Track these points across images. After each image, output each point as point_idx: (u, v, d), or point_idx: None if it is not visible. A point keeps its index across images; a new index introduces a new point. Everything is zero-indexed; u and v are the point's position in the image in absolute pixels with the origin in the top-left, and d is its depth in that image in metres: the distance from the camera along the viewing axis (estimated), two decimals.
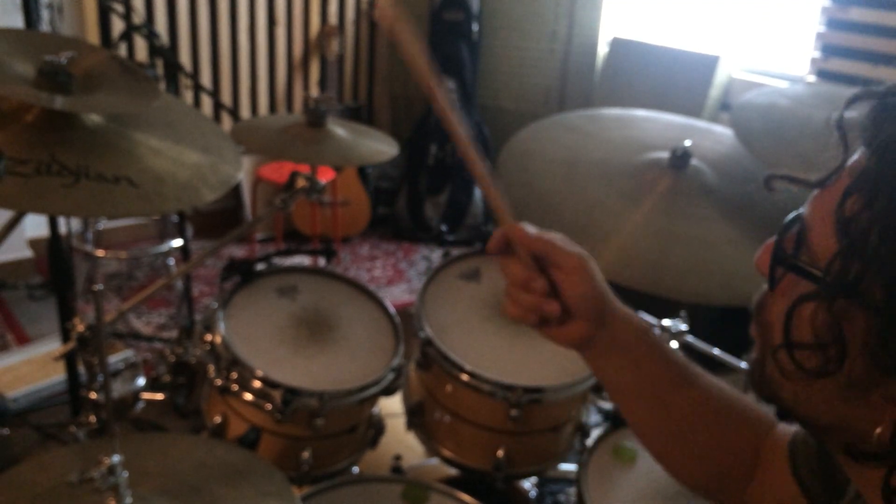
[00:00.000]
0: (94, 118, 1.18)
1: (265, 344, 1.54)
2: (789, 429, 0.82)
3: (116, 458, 0.97)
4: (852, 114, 0.61)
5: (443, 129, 3.52)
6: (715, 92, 3.23)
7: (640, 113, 1.78)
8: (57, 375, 2.38)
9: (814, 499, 0.77)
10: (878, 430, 0.54)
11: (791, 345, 0.57)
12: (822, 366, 0.55)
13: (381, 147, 1.72)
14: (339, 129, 1.71)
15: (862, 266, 0.52)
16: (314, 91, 4.02)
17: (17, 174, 1.01)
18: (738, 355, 1.84)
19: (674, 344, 1.77)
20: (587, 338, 0.82)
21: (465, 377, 1.50)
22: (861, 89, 0.59)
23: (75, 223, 3.07)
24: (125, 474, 0.98)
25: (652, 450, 0.88)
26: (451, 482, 1.57)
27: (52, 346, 2.61)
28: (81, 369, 1.93)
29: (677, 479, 0.88)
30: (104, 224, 3.36)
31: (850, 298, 0.53)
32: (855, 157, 0.57)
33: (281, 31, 3.86)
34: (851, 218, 0.53)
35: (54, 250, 1.85)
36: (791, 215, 0.61)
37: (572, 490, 1.85)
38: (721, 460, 0.85)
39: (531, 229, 0.81)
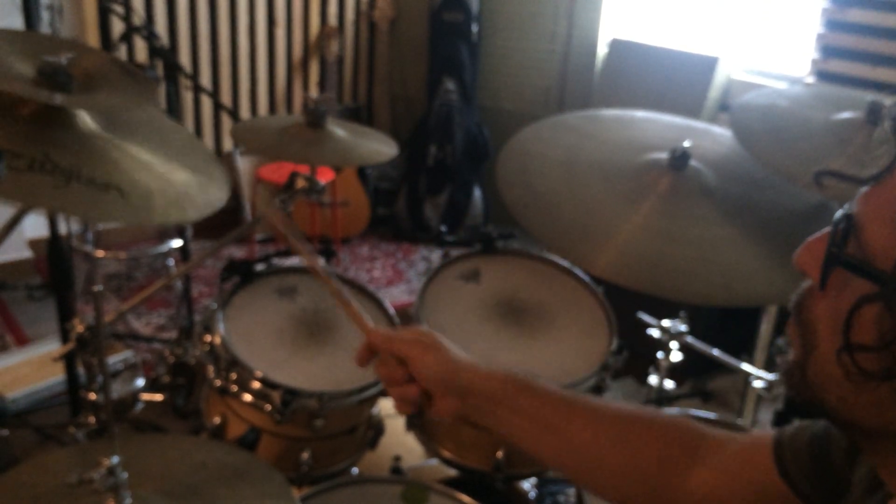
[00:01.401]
0: (89, 123, 1.18)
1: (265, 345, 1.54)
2: (763, 432, 0.82)
3: (116, 459, 0.97)
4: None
5: (443, 129, 3.52)
6: (714, 93, 3.23)
7: (640, 114, 1.78)
8: (56, 376, 2.38)
9: (806, 496, 0.76)
10: None
11: (852, 347, 0.55)
12: (888, 368, 0.54)
13: (380, 148, 1.72)
14: (338, 130, 1.71)
15: None
16: (314, 92, 4.02)
17: (11, 168, 1.02)
18: (738, 356, 1.85)
19: (674, 344, 1.77)
20: (457, 409, 0.89)
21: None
22: None
23: (75, 224, 3.07)
24: (125, 475, 0.98)
25: (583, 485, 0.91)
26: (450, 483, 1.57)
27: (52, 346, 2.61)
28: (81, 370, 1.93)
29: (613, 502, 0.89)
30: (104, 225, 3.36)
31: None
32: None
33: (280, 32, 3.87)
34: None
35: (54, 251, 1.85)
36: (839, 213, 0.59)
37: (572, 491, 1.85)
38: (648, 472, 0.85)
39: (385, 333, 0.92)
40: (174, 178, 1.23)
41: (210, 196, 1.25)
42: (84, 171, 1.08)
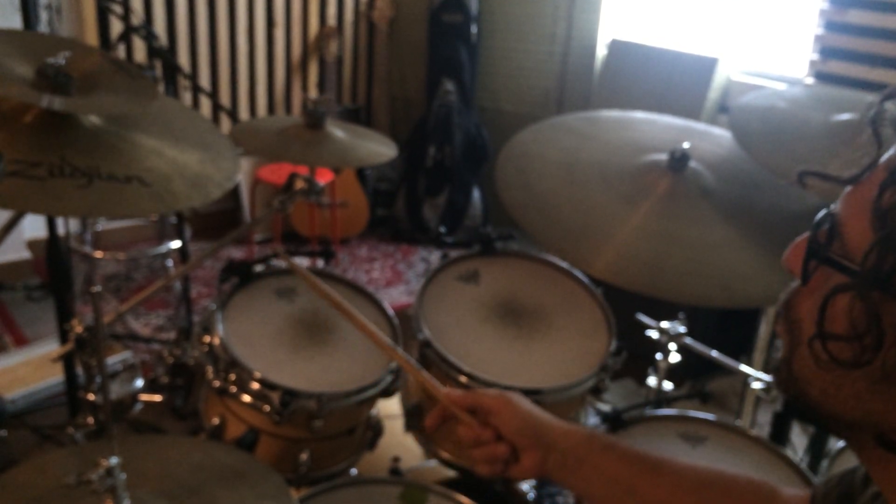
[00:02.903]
0: (93, 119, 1.18)
1: (263, 345, 1.54)
2: (802, 492, 0.82)
3: (114, 460, 0.97)
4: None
5: (442, 130, 3.52)
6: (713, 94, 3.23)
7: (639, 115, 1.78)
8: (55, 377, 2.38)
9: None
10: None
11: (825, 336, 0.58)
12: (857, 356, 0.56)
13: (379, 149, 1.72)
14: (337, 131, 1.71)
15: None
16: (313, 92, 4.02)
17: (32, 177, 1.02)
18: (737, 357, 1.85)
19: (672, 346, 1.77)
20: (541, 464, 0.89)
21: (463, 379, 1.50)
22: (894, 87, 0.60)
23: (74, 224, 3.07)
24: (123, 476, 0.98)
25: None
26: (449, 484, 1.57)
27: (50, 347, 2.60)
28: (79, 371, 1.92)
29: None
30: (103, 225, 3.36)
31: (885, 290, 0.54)
32: (891, 152, 0.58)
33: (280, 33, 3.87)
34: (888, 210, 0.54)
35: (53, 251, 1.84)
36: (822, 212, 0.62)
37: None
38: None
39: (462, 393, 0.93)
40: (187, 159, 1.22)
41: (225, 170, 1.24)
42: (102, 167, 1.08)
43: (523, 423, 0.89)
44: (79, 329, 1.32)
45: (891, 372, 0.55)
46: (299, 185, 1.58)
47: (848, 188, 0.61)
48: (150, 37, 2.40)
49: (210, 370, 1.49)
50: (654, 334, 1.78)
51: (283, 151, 1.65)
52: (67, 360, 1.97)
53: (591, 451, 0.88)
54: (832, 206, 0.62)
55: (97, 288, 1.07)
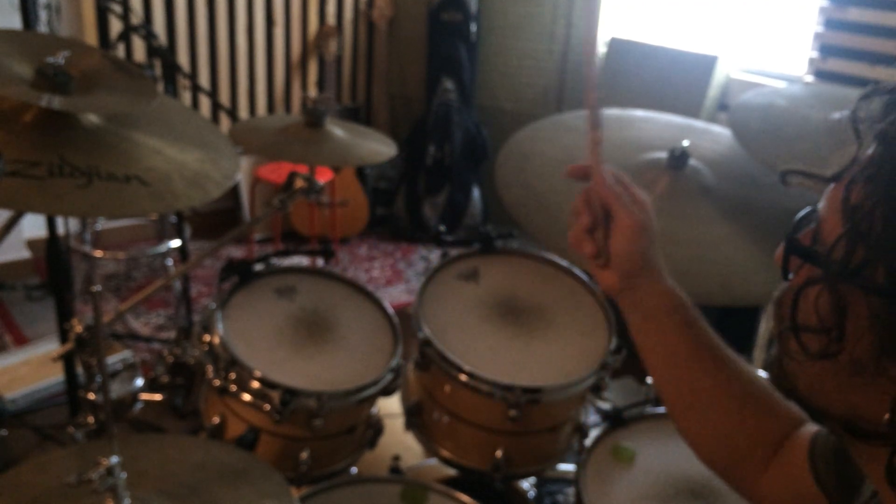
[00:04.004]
0: (92, 118, 1.18)
1: (263, 344, 1.54)
2: (813, 427, 0.84)
3: (115, 459, 0.97)
4: (845, 113, 0.62)
5: (441, 129, 3.51)
6: (713, 92, 3.23)
7: (639, 113, 1.78)
8: (55, 376, 2.38)
9: (829, 494, 0.78)
10: (887, 416, 0.56)
11: (797, 327, 0.59)
12: (824, 348, 0.57)
13: (379, 148, 1.72)
14: (337, 130, 1.70)
15: (866, 250, 0.54)
16: (312, 91, 4.02)
17: (32, 177, 1.02)
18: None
19: None
20: (614, 288, 0.90)
21: (463, 377, 1.50)
22: (873, 86, 0.60)
23: (73, 223, 3.07)
24: (123, 475, 0.98)
25: (671, 414, 0.91)
26: (449, 482, 1.57)
27: (51, 346, 2.60)
28: (80, 370, 1.92)
29: (693, 449, 0.91)
30: (102, 224, 3.36)
31: (853, 282, 0.55)
32: (869, 151, 0.58)
33: (279, 32, 3.86)
34: (856, 204, 0.55)
35: (52, 251, 1.84)
36: (804, 210, 0.63)
37: (571, 490, 1.85)
38: (738, 445, 0.87)
39: (610, 178, 0.89)
40: (186, 158, 1.22)
41: (224, 169, 1.24)
42: (102, 167, 1.08)
43: (628, 252, 0.87)
44: (79, 328, 1.32)
45: (863, 365, 0.56)
46: (299, 183, 1.59)
47: (830, 186, 0.62)
48: (149, 36, 2.40)
49: (210, 369, 1.50)
50: None
51: (283, 150, 1.65)
52: (68, 360, 1.97)
53: (664, 316, 0.88)
54: (817, 206, 0.63)
55: (97, 287, 1.07)
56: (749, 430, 0.87)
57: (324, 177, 3.42)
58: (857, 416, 0.59)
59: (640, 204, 0.89)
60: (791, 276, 0.64)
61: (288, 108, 4.01)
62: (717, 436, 0.88)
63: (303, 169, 1.63)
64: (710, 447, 0.89)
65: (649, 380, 1.81)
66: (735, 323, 2.55)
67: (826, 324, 0.57)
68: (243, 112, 3.87)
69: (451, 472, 1.69)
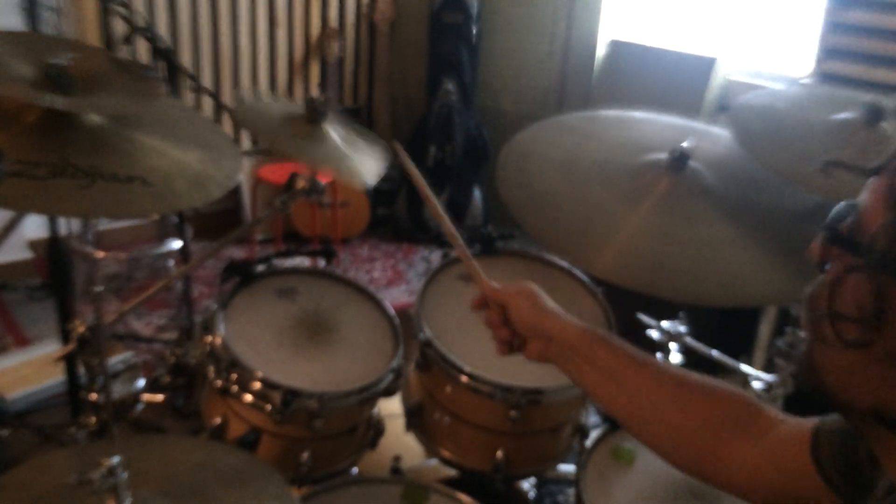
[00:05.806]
0: (94, 119, 1.18)
1: (265, 345, 1.54)
2: (805, 420, 0.85)
3: (116, 460, 0.97)
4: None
5: (443, 130, 3.50)
6: (711, 94, 3.23)
7: (639, 114, 1.78)
8: (56, 377, 2.38)
9: (837, 488, 0.78)
10: None
11: (834, 314, 0.60)
12: (860, 336, 0.58)
13: (367, 167, 1.65)
14: (334, 134, 1.69)
15: None
16: (314, 92, 4.02)
17: (34, 177, 1.02)
18: (737, 357, 1.85)
19: (673, 345, 1.77)
20: (543, 351, 1.01)
21: (464, 378, 1.51)
22: None
23: (75, 224, 3.07)
24: (125, 476, 0.98)
25: (631, 433, 0.97)
26: (450, 483, 1.57)
27: (52, 347, 2.60)
28: (81, 371, 1.93)
29: (662, 458, 0.94)
30: (104, 225, 3.36)
31: (894, 272, 0.56)
32: None
33: (281, 33, 3.87)
34: None
35: (54, 251, 1.85)
36: (842, 203, 0.64)
37: (571, 491, 1.85)
38: (694, 437, 0.90)
39: (494, 286, 1.07)
40: (188, 158, 1.22)
41: (226, 169, 1.25)
42: (104, 167, 1.08)
43: (528, 315, 1.01)
44: (80, 329, 1.32)
45: (893, 353, 0.56)
46: (300, 184, 1.59)
47: (872, 179, 0.63)
48: (152, 37, 2.40)
49: (211, 370, 1.50)
50: (654, 334, 1.78)
51: (281, 140, 1.62)
52: (69, 360, 1.97)
53: (583, 343, 0.97)
54: (856, 199, 0.64)
55: (99, 288, 1.07)
56: (695, 419, 0.90)
57: (325, 177, 3.41)
58: (887, 409, 0.59)
59: (517, 284, 1.06)
60: (827, 267, 0.64)
61: None
62: (671, 436, 0.91)
63: (304, 169, 1.63)
64: (671, 449, 0.92)
65: None
66: (735, 324, 2.55)
67: (864, 313, 0.57)
68: None
69: (452, 472, 1.69)
